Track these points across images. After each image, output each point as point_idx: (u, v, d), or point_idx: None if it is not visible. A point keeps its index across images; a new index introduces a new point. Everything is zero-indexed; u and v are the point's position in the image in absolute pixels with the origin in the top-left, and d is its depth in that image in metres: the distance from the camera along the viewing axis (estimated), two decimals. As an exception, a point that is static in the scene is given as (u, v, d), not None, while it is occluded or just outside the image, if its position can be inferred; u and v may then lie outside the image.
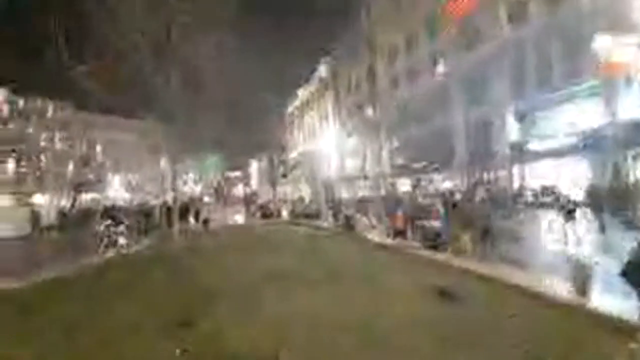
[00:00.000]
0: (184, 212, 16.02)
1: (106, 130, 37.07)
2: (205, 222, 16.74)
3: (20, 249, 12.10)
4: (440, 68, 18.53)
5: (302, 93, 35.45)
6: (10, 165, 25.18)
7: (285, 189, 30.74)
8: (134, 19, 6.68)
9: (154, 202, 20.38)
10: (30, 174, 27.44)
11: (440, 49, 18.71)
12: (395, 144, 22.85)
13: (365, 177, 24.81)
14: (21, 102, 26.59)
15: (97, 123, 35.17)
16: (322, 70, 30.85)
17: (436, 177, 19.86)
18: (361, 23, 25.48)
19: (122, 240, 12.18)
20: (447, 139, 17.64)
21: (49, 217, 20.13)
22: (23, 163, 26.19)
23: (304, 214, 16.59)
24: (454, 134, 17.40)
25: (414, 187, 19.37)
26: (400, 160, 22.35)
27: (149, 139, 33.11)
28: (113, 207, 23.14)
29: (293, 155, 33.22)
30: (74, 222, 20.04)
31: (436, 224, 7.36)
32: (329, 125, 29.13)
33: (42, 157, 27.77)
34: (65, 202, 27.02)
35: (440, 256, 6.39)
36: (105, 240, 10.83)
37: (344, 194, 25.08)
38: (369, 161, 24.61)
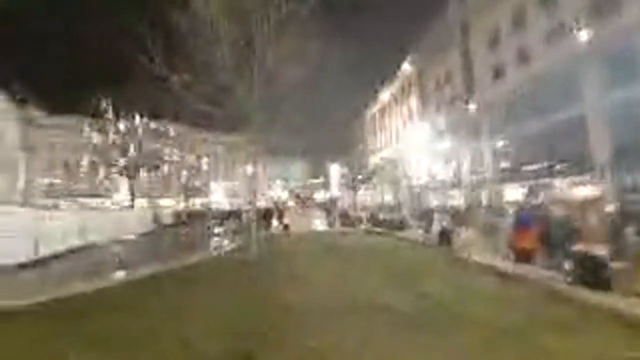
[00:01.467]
0: (267, 216, 17.14)
1: (210, 144, 44.66)
2: (286, 226, 17.48)
3: (147, 242, 15.14)
4: (582, 37, 13.89)
5: (384, 94, 34.14)
6: (144, 174, 32.27)
7: (367, 196, 29.86)
8: (217, 30, 7.12)
9: (246, 207, 22.71)
10: (157, 182, 34.76)
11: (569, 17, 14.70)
12: (500, 142, 19.24)
13: (458, 184, 21.74)
14: (152, 125, 33.75)
15: (205, 139, 43.39)
16: (407, 66, 29.01)
17: (558, 182, 15.63)
18: (451, 5, 22.85)
19: (219, 239, 14.10)
20: (579, 132, 13.67)
21: (167, 217, 25.10)
22: (152, 173, 33.14)
23: (387, 223, 15.38)
24: (591, 126, 13.37)
25: (529, 194, 15.66)
26: (507, 163, 18.66)
27: (241, 150, 38.36)
28: (214, 211, 27.14)
29: (374, 159, 32.07)
30: (186, 221, 24.33)
31: (599, 250, 5.04)
32: (415, 125, 26.97)
33: (165, 168, 34.64)
34: (179, 205, 32.87)
35: (607, 300, 4.18)
36: (209, 238, 12.75)
37: (433, 202, 22.51)
38: (465, 165, 21.47)
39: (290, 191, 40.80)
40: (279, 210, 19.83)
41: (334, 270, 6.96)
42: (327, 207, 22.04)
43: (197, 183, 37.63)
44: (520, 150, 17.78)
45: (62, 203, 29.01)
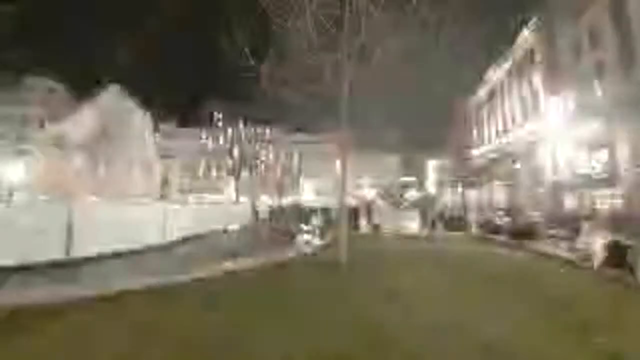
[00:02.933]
0: (355, 215, 16.61)
1: (300, 144, 47.94)
2: (376, 227, 16.60)
3: (247, 234, 16.92)
4: None
5: (496, 72, 28.99)
6: (246, 174, 37.10)
7: (478, 195, 25.86)
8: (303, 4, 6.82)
9: (334, 204, 23.02)
10: (255, 181, 39.38)
11: None
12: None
13: (611, 179, 16.21)
14: (252, 130, 38.38)
15: (295, 140, 46.93)
16: (527, 33, 23.79)
17: None
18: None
19: (308, 236, 14.52)
20: None
21: (264, 212, 27.82)
22: (252, 173, 37.83)
23: (511, 231, 12.16)
24: None
25: None
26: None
27: (330, 148, 39.71)
28: (303, 207, 28.64)
29: (482, 151, 27.60)
30: (279, 217, 26.35)
31: None
32: (538, 109, 21.80)
33: (262, 168, 38.98)
34: (273, 202, 36.08)
35: None
36: (299, 234, 13.25)
37: (570, 203, 17.50)
38: (622, 154, 15.87)
39: (380, 189, 39.32)
40: (368, 209, 19.09)
41: (443, 288, 5.46)
42: (423, 208, 19.89)
43: (288, 181, 40.84)
44: None
45: (190, 198, 36.01)
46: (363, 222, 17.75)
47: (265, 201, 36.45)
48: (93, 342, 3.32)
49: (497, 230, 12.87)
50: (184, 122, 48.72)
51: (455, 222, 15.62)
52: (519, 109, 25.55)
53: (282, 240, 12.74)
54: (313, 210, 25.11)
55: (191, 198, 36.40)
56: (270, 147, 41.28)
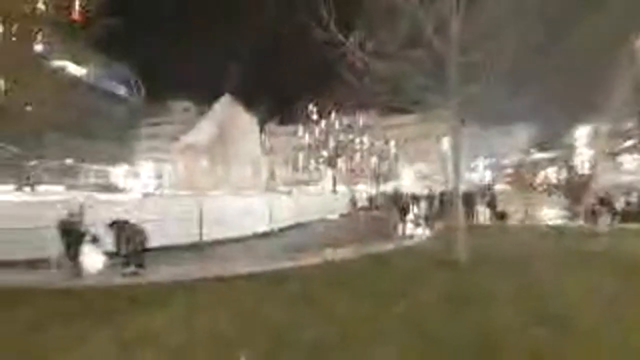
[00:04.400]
0: (469, 202, 14.34)
1: (398, 128, 45.49)
2: (502, 216, 13.97)
3: (345, 223, 17.08)
4: None
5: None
6: (341, 163, 37.82)
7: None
8: None
9: (440, 190, 20.79)
10: (352, 169, 39.66)
11: None
12: None
13: None
14: (344, 119, 38.77)
15: (390, 124, 44.83)
16: None
17: None
18: None
19: (411, 226, 13.46)
20: None
21: (362, 200, 27.71)
22: (348, 162, 38.38)
23: None
24: None
25: None
26: None
27: (431, 128, 36.19)
28: (404, 195, 27.00)
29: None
30: (377, 205, 25.76)
31: None
32: None
33: (357, 156, 38.91)
34: (371, 190, 35.56)
35: None
36: (401, 224, 12.48)
37: None
38: None
39: (503, 170, 33.10)
40: (489, 194, 16.26)
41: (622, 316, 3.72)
42: (571, 190, 15.29)
43: (386, 168, 39.42)
44: None
45: (293, 190, 39.53)
46: (481, 210, 15.26)
47: (363, 190, 36.25)
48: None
49: None
50: (283, 120, 53.62)
51: (629, 210, 11.45)
52: None
53: (382, 230, 12.14)
54: (416, 198, 23.30)
55: (294, 190, 39.73)
56: (365, 133, 40.64)
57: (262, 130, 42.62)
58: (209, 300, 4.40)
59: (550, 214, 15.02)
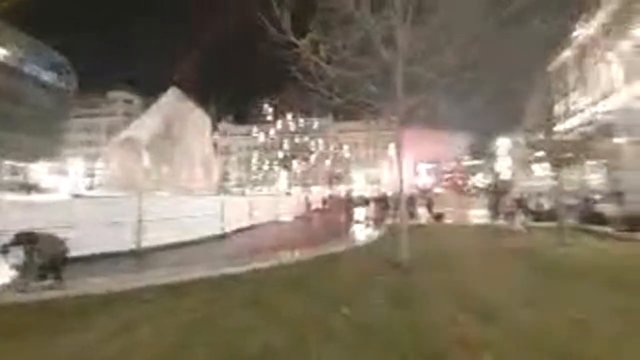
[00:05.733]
0: (411, 205, 15.24)
1: (350, 133, 46.76)
2: (439, 217, 15.09)
3: (300, 225, 16.91)
4: None
5: (582, 31, 23.89)
6: (296, 165, 37.77)
7: (566, 177, 21.69)
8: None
9: (388, 193, 21.87)
10: (307, 172, 39.78)
11: None
12: None
13: None
14: (301, 121, 38.68)
15: (343, 129, 45.95)
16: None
17: None
18: None
19: (361, 227, 13.86)
20: None
21: (316, 202, 27.88)
22: (303, 164, 38.35)
23: (626, 222, 9.63)
24: None
25: None
26: None
27: (380, 134, 37.99)
28: (356, 197, 27.94)
29: (570, 126, 23.16)
30: (330, 207, 26.11)
31: None
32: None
33: (312, 158, 39.15)
34: (325, 192, 36.01)
35: None
36: (352, 225, 12.73)
37: None
38: None
39: (441, 175, 36.06)
40: (427, 197, 17.50)
41: (559, 307, 4.01)
42: (494, 194, 17.33)
43: (339, 171, 40.32)
44: None
45: (246, 191, 38.17)
46: (421, 212, 16.34)
47: (317, 192, 36.59)
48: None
49: (599, 219, 10.43)
50: (238, 119, 51.69)
51: (541, 210, 13.23)
52: (621, 69, 20.66)
53: (335, 231, 12.28)
54: (366, 200, 24.20)
55: (247, 191, 38.38)
56: (320, 137, 41.03)
57: (215, 128, 40.56)
58: (145, 313, 3.88)
59: (478, 214, 16.64)
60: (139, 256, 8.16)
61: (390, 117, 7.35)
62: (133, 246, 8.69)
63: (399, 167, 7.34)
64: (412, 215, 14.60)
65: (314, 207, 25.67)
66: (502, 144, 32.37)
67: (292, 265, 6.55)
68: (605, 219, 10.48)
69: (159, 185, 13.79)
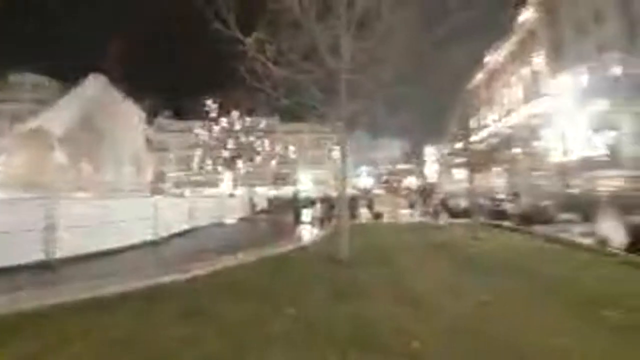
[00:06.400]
0: (354, 205, 16.02)
1: (296, 134, 46.69)
2: (378, 216, 16.08)
3: (244, 227, 16.31)
4: None
5: (494, 54, 28.00)
6: (242, 165, 36.22)
7: (479, 181, 25.16)
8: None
9: (333, 194, 22.52)
10: (253, 172, 38.42)
11: None
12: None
13: (614, 162, 15.73)
14: (247, 120, 37.19)
15: (290, 130, 45.66)
16: (529, 12, 22.81)
17: None
18: None
19: (307, 227, 14.01)
20: None
21: (262, 203, 27.23)
22: (248, 164, 36.95)
23: (521, 217, 11.59)
24: None
25: None
26: None
27: (326, 136, 38.94)
28: (301, 198, 28.14)
29: (482, 137, 26.92)
30: (275, 209, 25.83)
31: None
32: (543, 89, 21.00)
33: (258, 159, 38.02)
34: (271, 193, 35.50)
35: None
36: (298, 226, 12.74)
37: (576, 186, 17.01)
38: (628, 136, 15.31)
39: (379, 177, 38.55)
40: (368, 198, 18.55)
41: (475, 293, 4.49)
42: (423, 195, 19.31)
43: (286, 171, 40.02)
44: None
45: (186, 192, 35.34)
46: (362, 211, 17.23)
47: (263, 193, 35.80)
48: None
49: (503, 215, 12.37)
50: (179, 115, 47.51)
51: (459, 209, 15.08)
52: (519, 92, 24.80)
53: (281, 232, 12.17)
54: (312, 201, 24.51)
55: (187, 192, 35.63)
56: (266, 137, 40.04)
57: (150, 123, 36.71)
58: (59, 335, 3.30)
59: (410, 213, 18.25)
60: (52, 268, 6.95)
61: (334, 121, 7.61)
62: (43, 257, 7.36)
63: (343, 169, 7.65)
64: (355, 214, 15.30)
65: (259, 208, 25.06)
66: (430, 151, 36.27)
67: (235, 269, 6.30)
68: (507, 216, 12.44)
69: (78, 185, 11.89)
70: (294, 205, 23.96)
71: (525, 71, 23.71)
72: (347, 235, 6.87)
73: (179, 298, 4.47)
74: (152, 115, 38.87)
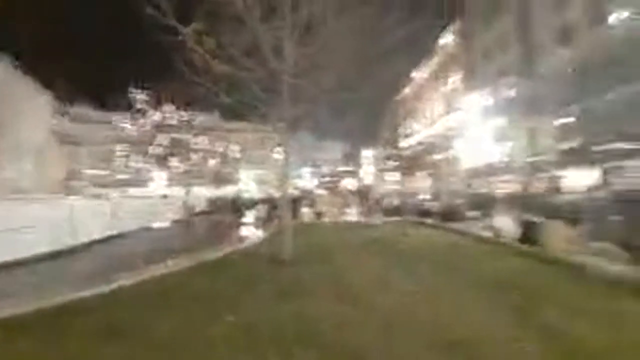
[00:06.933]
0: (296, 205, 16.13)
1: (239, 133, 44.61)
2: (319, 215, 16.44)
3: (179, 231, 14.94)
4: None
5: (420, 71, 31.20)
6: (176, 163, 33.06)
7: (408, 183, 27.75)
8: None
9: (276, 194, 22.20)
10: (189, 171, 35.34)
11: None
12: (563, 120, 16.37)
13: (510, 168, 19.14)
14: (183, 115, 34.17)
15: (232, 128, 43.49)
16: (449, 36, 26.02)
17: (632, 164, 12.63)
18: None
19: (249, 228, 13.55)
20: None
21: (199, 205, 25.32)
22: (184, 162, 33.92)
23: (439, 214, 13.24)
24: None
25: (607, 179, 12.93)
26: (572, 144, 15.83)
27: (271, 138, 38.20)
28: (244, 199, 27.06)
29: (410, 144, 29.77)
30: (215, 210, 24.37)
31: None
32: (458, 105, 24.18)
33: (195, 157, 35.24)
34: (210, 193, 33.31)
35: None
36: (240, 227, 12.20)
37: (482, 189, 20.09)
38: (519, 146, 18.72)
39: (321, 178, 39.38)
40: (310, 198, 18.85)
41: (405, 286, 4.91)
42: (361, 196, 20.49)
43: (227, 171, 37.93)
44: (588, 129, 14.89)
45: (110, 192, 30.69)
46: (305, 211, 17.40)
47: (202, 193, 33.45)
48: None
49: (427, 213, 13.88)
50: (103, 104, 40.92)
51: (391, 208, 16.41)
52: (439, 106, 28.14)
53: (221, 234, 11.52)
54: (254, 202, 23.78)
55: (111, 192, 31.09)
56: (205, 134, 37.21)
57: (63, 112, 31.02)
58: None
59: (349, 212, 19.12)
60: None
61: (277, 122, 7.52)
62: None
63: (285, 169, 7.61)
64: (297, 214, 15.36)
65: (197, 209, 23.29)
66: (366, 154, 38.74)
67: (168, 277, 5.72)
68: (430, 214, 14.00)
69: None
70: (236, 206, 22.98)
71: (445, 88, 27.05)
72: (290, 234, 6.85)
73: (95, 315, 3.85)
74: (67, 104, 32.91)
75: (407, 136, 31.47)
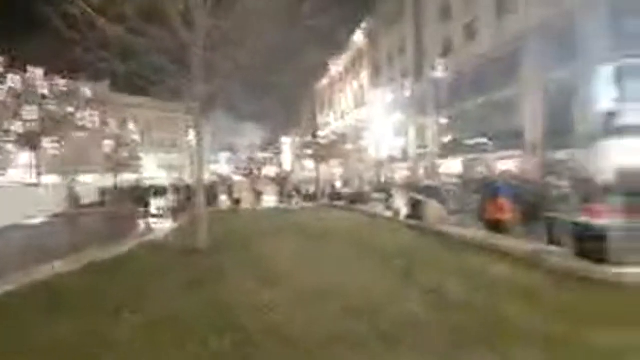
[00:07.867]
0: (213, 192, 15.03)
1: (141, 109, 37.55)
2: (237, 202, 15.77)
3: (56, 228, 11.88)
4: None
5: (335, 66, 32.51)
6: (50, 145, 25.77)
7: (324, 170, 28.91)
8: None
9: (189, 181, 19.93)
10: (72, 154, 28.02)
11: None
12: (444, 119, 19.92)
13: (405, 157, 22.32)
14: (60, 83, 26.61)
15: (130, 103, 36.34)
16: (359, 36, 27.72)
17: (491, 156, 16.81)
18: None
19: (157, 219, 11.85)
20: (515, 111, 14.53)
21: (89, 196, 20.68)
22: (63, 143, 26.67)
23: (347, 198, 14.57)
24: (527, 106, 14.10)
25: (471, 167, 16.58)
26: (449, 137, 19.50)
27: (181, 119, 33.68)
28: (149, 186, 23.40)
29: (325, 133, 31.04)
30: (112, 200, 20.42)
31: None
32: (367, 100, 26.33)
33: (81, 137, 28.18)
34: (104, 181, 27.67)
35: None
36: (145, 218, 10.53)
37: (384, 176, 22.76)
38: (412, 140, 21.87)
39: (239, 164, 37.26)
40: (227, 185, 17.75)
41: (317, 263, 5.28)
42: (280, 182, 20.47)
43: (126, 155, 31.64)
44: (462, 126, 18.58)
45: None
46: (222, 198, 16.38)
47: (92, 182, 27.42)
48: None
49: (339, 198, 14.97)
50: None
51: (308, 193, 17.01)
52: (351, 99, 30.17)
53: (120, 228, 9.69)
54: (163, 190, 20.88)
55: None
56: (92, 109, 29.57)
57: None
58: None
59: (269, 199, 18.98)
60: None
61: (189, 101, 6.71)
62: None
63: (200, 154, 6.92)
64: (213, 202, 14.31)
65: (86, 201, 19.01)
66: (285, 141, 38.66)
67: (56, 279, 4.56)
68: (342, 198, 15.15)
69: None
70: (137, 195, 19.58)
71: (357, 82, 29.08)
72: (205, 223, 6.34)
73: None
74: None
75: (325, 125, 32.77)
